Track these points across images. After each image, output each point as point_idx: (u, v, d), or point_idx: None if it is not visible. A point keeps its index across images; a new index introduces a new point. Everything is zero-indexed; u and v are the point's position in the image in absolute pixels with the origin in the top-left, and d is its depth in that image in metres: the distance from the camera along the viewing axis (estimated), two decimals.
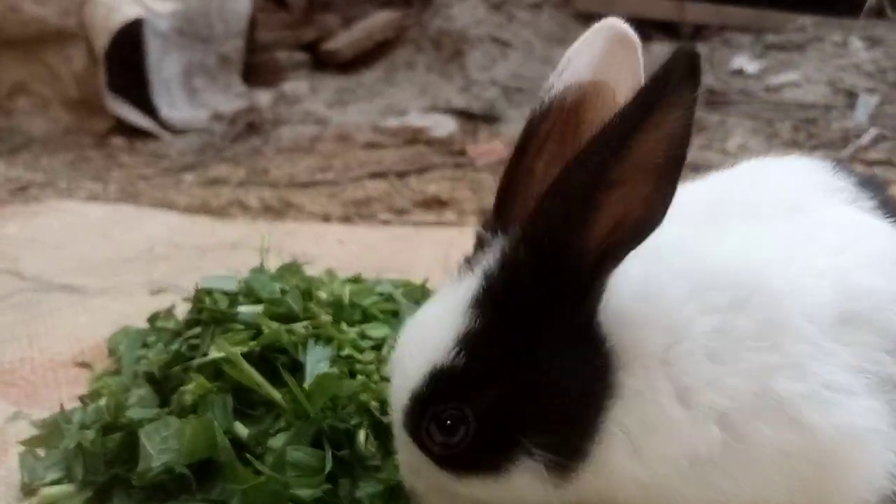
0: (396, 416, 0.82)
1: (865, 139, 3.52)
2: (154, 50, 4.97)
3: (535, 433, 0.76)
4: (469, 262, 0.84)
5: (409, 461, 0.84)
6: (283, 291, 1.23)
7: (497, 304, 0.77)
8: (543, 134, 0.84)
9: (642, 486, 0.77)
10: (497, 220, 0.84)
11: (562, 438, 0.76)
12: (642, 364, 0.76)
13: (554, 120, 0.84)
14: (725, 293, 0.77)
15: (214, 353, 1.07)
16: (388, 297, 1.41)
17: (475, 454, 0.78)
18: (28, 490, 1.07)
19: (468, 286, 0.80)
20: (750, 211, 0.89)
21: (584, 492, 0.80)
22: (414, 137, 4.30)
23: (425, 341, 0.80)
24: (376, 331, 1.25)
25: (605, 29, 0.83)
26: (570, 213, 0.71)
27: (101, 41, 4.56)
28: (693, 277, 0.79)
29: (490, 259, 0.79)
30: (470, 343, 0.76)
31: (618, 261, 0.74)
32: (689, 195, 0.96)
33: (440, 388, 0.77)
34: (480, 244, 0.85)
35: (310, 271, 1.47)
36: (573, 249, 0.73)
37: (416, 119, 4.59)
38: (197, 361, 1.09)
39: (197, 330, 1.18)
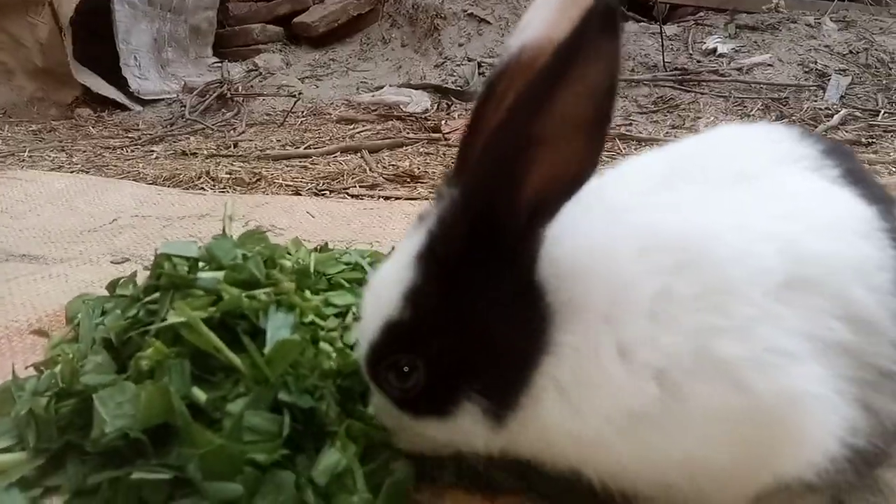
0: (362, 363, 0.88)
1: (835, 119, 3.56)
2: (123, 19, 4.86)
3: (473, 381, 0.80)
4: (422, 218, 0.86)
5: (379, 403, 0.91)
6: (245, 258, 1.20)
7: (437, 259, 0.80)
8: (500, 93, 0.85)
9: (576, 440, 0.79)
10: (456, 177, 0.86)
11: (497, 387, 0.80)
12: (584, 320, 0.77)
13: (510, 78, 0.85)
14: (670, 256, 0.78)
15: (173, 318, 1.04)
16: (355, 266, 1.39)
17: (426, 398, 0.83)
18: None
19: (415, 242, 0.83)
20: (708, 177, 0.90)
21: (521, 442, 0.83)
22: (388, 113, 4.26)
23: (380, 295, 0.84)
24: (341, 299, 1.23)
25: None
26: (499, 170, 0.73)
27: (67, 9, 4.45)
28: (640, 239, 0.80)
29: (433, 216, 0.82)
30: (415, 297, 0.80)
31: (550, 216, 0.76)
32: (650, 161, 0.97)
33: (391, 339, 0.82)
34: (438, 201, 0.87)
35: (280, 243, 1.44)
36: (504, 205, 0.75)
37: (390, 94, 4.55)
38: (155, 327, 1.07)
39: (156, 296, 1.15)
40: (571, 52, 0.66)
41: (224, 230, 1.37)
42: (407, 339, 0.82)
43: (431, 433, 0.86)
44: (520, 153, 0.72)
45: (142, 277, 1.41)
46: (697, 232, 0.81)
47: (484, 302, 0.79)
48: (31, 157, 3.61)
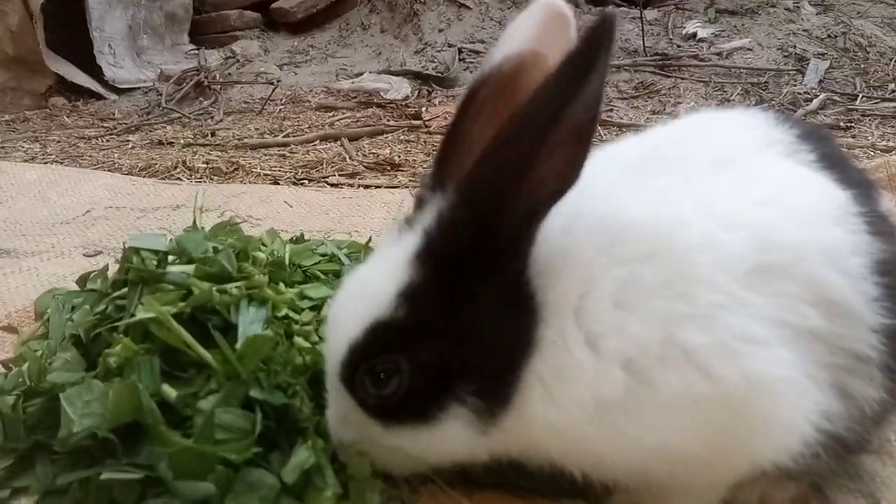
0: (332, 368, 0.85)
1: (815, 104, 3.57)
2: (96, 6, 4.77)
3: (466, 382, 0.80)
4: (409, 220, 0.86)
5: (340, 413, 0.88)
6: (216, 251, 1.17)
7: (436, 260, 0.80)
8: (481, 99, 0.86)
9: (556, 432, 0.80)
10: (436, 180, 0.86)
11: (490, 387, 0.80)
12: (558, 314, 0.79)
13: (492, 86, 0.86)
14: (635, 246, 0.80)
15: (142, 314, 1.02)
16: (331, 258, 1.38)
17: (407, 405, 0.82)
18: None
19: (408, 243, 0.82)
20: (680, 164, 0.91)
21: (508, 440, 0.83)
22: (368, 100, 4.22)
23: (365, 296, 0.82)
24: (316, 291, 1.21)
25: (544, 5, 0.86)
26: (507, 175, 0.75)
27: None
28: (607, 231, 0.81)
29: (429, 217, 0.82)
30: (410, 297, 0.80)
31: (542, 218, 0.78)
32: (625, 148, 0.97)
33: (379, 340, 0.81)
34: (420, 203, 0.87)
35: (256, 234, 1.41)
36: (506, 209, 0.77)
37: (369, 81, 4.50)
38: (123, 323, 1.04)
39: (124, 291, 1.13)
40: (586, 62, 0.69)
41: (195, 222, 1.35)
42: (398, 340, 0.80)
43: (405, 444, 0.84)
44: (530, 159, 0.73)
45: (114, 271, 1.38)
46: (665, 221, 0.81)
47: (481, 302, 0.80)
48: (3, 147, 3.54)
